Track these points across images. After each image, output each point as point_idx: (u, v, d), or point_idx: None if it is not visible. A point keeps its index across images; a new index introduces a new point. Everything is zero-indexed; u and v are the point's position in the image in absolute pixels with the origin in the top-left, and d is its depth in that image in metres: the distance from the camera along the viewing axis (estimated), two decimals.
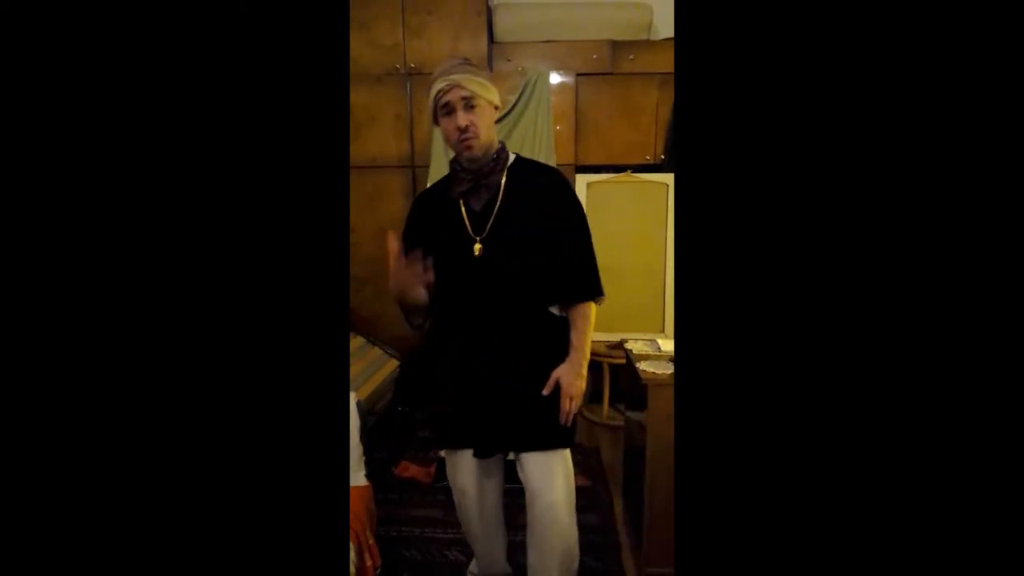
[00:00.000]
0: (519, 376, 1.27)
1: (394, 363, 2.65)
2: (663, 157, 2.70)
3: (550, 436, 1.29)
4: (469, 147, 1.22)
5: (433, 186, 1.41)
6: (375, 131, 2.79)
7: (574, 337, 1.28)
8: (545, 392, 1.26)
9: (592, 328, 1.30)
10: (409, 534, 1.92)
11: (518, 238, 1.25)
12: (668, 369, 1.58)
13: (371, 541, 1.56)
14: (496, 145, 1.28)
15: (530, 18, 2.71)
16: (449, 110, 1.21)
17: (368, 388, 2.29)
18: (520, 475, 1.33)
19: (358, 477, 1.64)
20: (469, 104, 1.20)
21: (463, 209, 1.28)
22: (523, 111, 2.68)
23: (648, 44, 2.70)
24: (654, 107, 2.69)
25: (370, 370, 2.47)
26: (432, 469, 2.24)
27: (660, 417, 1.52)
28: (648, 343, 1.85)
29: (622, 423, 2.41)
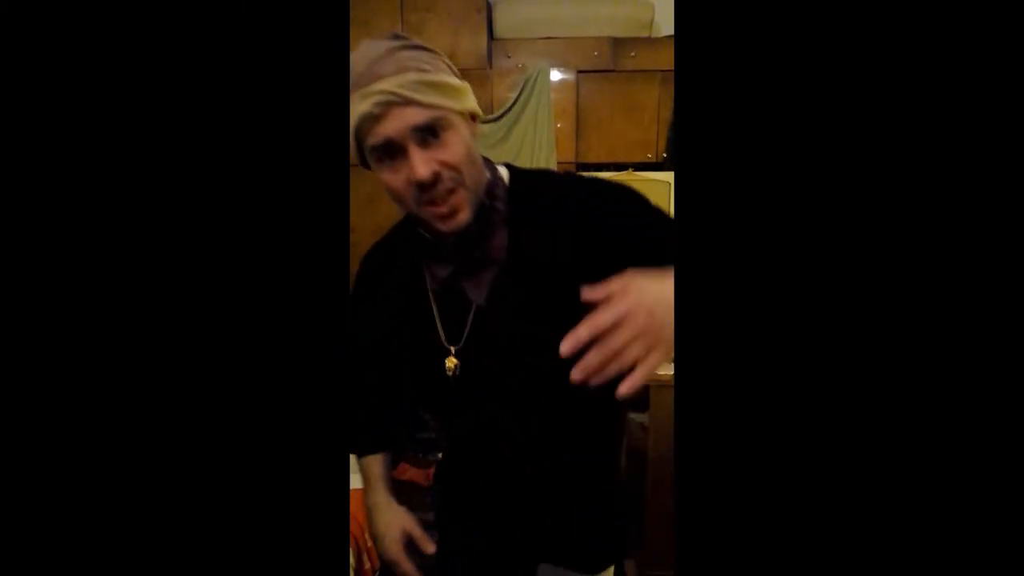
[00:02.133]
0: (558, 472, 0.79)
1: None
2: (664, 155, 2.70)
3: (599, 548, 0.83)
4: (451, 213, 0.66)
5: (389, 246, 0.82)
6: None
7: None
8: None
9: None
10: None
11: (526, 348, 0.72)
12: (669, 370, 1.58)
13: (370, 543, 1.56)
14: (485, 176, 0.70)
15: (530, 14, 2.70)
16: (392, 152, 0.64)
17: None
18: None
19: (358, 480, 1.63)
20: (432, 133, 0.64)
21: (435, 308, 0.75)
22: (523, 109, 2.68)
23: (650, 41, 2.70)
24: (655, 105, 2.69)
25: None
26: (430, 471, 2.23)
27: (661, 418, 1.52)
28: None
29: None
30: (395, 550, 0.89)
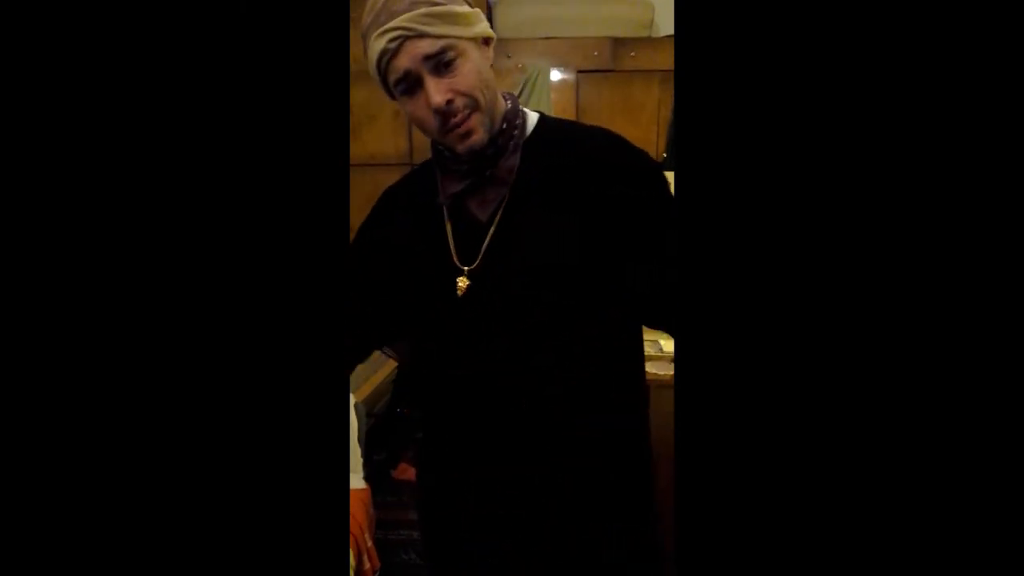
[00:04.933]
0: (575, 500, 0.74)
1: (392, 364, 2.65)
2: (664, 155, 2.70)
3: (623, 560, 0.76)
4: (467, 133, 0.71)
5: (409, 177, 0.89)
6: (374, 129, 2.79)
7: None
8: None
9: None
10: (408, 537, 1.92)
11: (535, 272, 0.72)
12: (670, 370, 1.58)
13: (370, 544, 1.56)
14: (503, 105, 0.75)
15: (530, 14, 2.70)
16: (411, 84, 0.69)
17: (366, 390, 2.29)
18: None
19: (357, 479, 1.64)
20: (443, 61, 0.68)
21: (447, 220, 0.77)
22: None
23: (649, 41, 2.70)
24: (655, 105, 2.69)
25: (368, 371, 2.47)
26: None
27: (662, 418, 1.52)
28: (650, 343, 1.85)
29: None
30: None
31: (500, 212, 0.76)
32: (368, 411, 2.10)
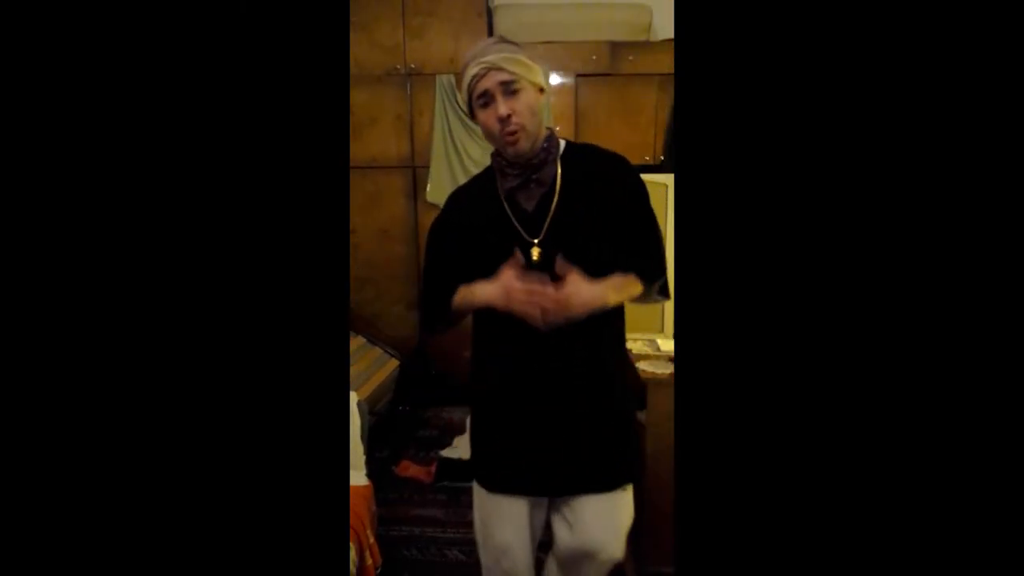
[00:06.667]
0: (583, 398, 1.09)
1: (394, 363, 2.66)
2: (662, 158, 2.71)
3: (618, 470, 1.13)
4: (514, 141, 1.02)
5: (469, 182, 1.22)
6: (375, 131, 2.80)
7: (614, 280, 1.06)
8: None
9: (626, 295, 1.08)
10: (409, 533, 1.92)
11: (581, 240, 1.07)
12: (667, 369, 1.58)
13: (372, 540, 1.57)
14: (544, 132, 1.08)
15: (530, 19, 2.72)
16: (487, 100, 1.02)
17: (368, 388, 2.30)
18: (563, 523, 1.15)
19: (359, 476, 1.64)
20: (510, 89, 1.01)
21: (508, 210, 1.09)
22: None
23: (647, 45, 2.71)
24: (653, 108, 2.70)
25: (370, 370, 2.48)
26: (432, 468, 2.24)
27: (660, 416, 1.53)
28: (647, 343, 1.86)
29: None
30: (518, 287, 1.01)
31: (555, 201, 1.08)
32: (370, 409, 2.11)
